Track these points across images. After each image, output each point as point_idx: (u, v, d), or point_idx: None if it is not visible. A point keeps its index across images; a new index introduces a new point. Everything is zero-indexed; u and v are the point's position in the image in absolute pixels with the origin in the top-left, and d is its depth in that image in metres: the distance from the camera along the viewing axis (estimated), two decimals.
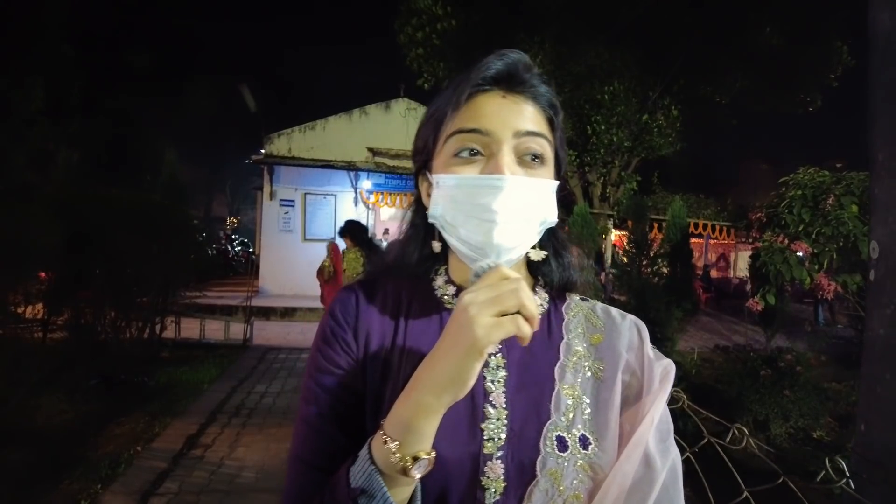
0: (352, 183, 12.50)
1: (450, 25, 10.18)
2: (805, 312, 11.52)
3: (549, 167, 0.72)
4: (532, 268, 0.81)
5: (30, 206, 4.94)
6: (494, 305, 0.56)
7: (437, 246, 0.75)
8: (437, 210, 0.71)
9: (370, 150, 12.34)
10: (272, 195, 12.13)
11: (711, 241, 17.69)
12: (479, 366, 0.56)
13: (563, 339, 0.75)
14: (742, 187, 15.28)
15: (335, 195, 12.55)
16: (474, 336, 0.54)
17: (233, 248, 25.89)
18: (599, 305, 0.83)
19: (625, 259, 4.37)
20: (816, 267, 4.70)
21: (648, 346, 0.76)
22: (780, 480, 0.99)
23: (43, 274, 5.33)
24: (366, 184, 12.51)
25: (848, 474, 0.91)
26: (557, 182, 0.74)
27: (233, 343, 7.51)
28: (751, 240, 6.64)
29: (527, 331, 0.57)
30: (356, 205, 12.69)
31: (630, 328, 0.78)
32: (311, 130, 12.27)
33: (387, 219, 15.77)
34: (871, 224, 1.23)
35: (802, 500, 1.01)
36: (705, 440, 1.21)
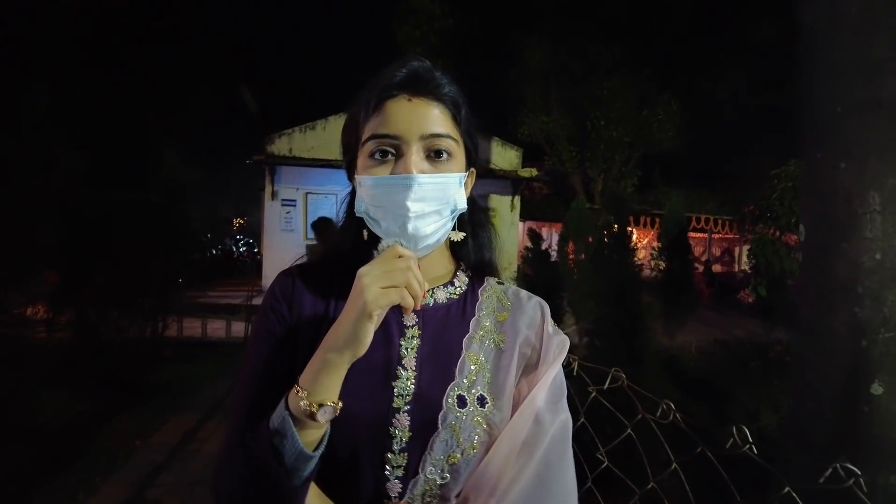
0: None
1: (447, 24, 10.22)
2: None
3: (457, 159, 0.80)
4: (454, 251, 0.91)
5: (34, 209, 5.04)
6: (384, 279, 0.66)
7: (365, 234, 0.83)
8: (362, 206, 0.80)
9: None
10: (274, 195, 12.21)
11: (715, 236, 17.63)
12: (370, 327, 0.66)
13: (474, 316, 0.85)
14: (744, 181, 15.19)
15: (336, 194, 12.60)
16: (364, 301, 0.65)
17: (237, 248, 26.07)
18: (512, 289, 0.92)
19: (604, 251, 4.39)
20: None
21: (549, 323, 0.86)
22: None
23: (48, 276, 5.45)
24: None
25: (751, 441, 0.97)
26: (462, 173, 0.81)
27: (234, 342, 7.60)
28: (745, 233, 6.65)
29: (409, 302, 0.67)
30: None
31: (534, 308, 0.88)
32: (312, 130, 12.32)
33: None
34: (801, 210, 1.29)
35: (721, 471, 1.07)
36: (639, 416, 1.26)
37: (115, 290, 5.75)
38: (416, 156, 0.75)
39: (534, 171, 10.60)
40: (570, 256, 7.65)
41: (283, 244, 12.14)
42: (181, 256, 7.01)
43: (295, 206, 12.25)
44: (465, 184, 0.83)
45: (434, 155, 0.77)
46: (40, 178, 5.20)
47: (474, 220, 0.90)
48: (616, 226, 3.70)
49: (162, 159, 7.22)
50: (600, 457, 1.37)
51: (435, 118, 0.77)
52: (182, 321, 7.43)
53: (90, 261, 5.55)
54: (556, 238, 9.62)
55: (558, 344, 0.83)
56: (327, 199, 12.51)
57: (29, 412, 4.20)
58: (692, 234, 10.52)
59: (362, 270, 0.67)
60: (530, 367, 0.82)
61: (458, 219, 0.82)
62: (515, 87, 11.46)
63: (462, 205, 0.80)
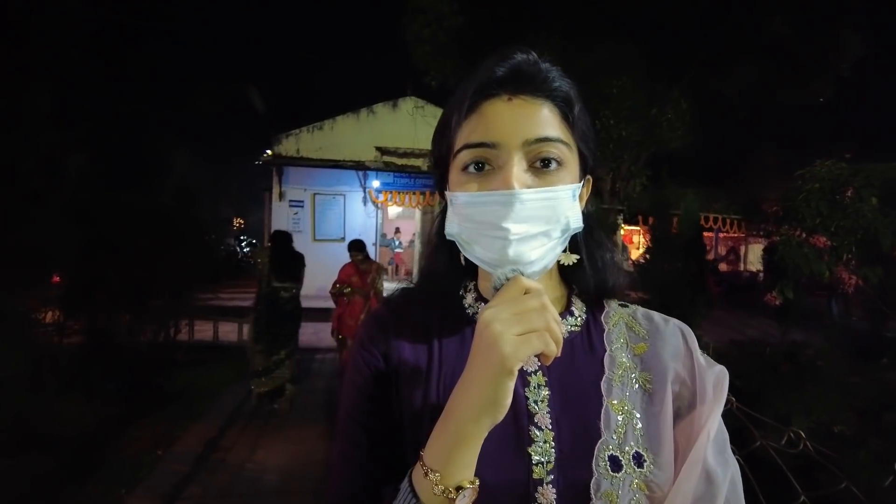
0: (360, 182, 12.49)
1: (456, 22, 10.15)
2: (817, 305, 11.43)
3: (569, 169, 0.67)
4: (565, 273, 0.77)
5: (44, 212, 4.96)
6: (519, 324, 0.54)
7: (462, 259, 0.71)
8: (453, 228, 0.68)
9: (378, 149, 12.31)
10: (281, 196, 12.14)
11: (721, 235, 17.58)
12: (511, 385, 0.55)
13: (605, 351, 0.72)
14: (753, 180, 15.14)
15: (344, 195, 12.53)
16: (502, 354, 0.53)
17: (241, 249, 25.98)
18: (641, 311, 0.79)
19: (646, 256, 4.34)
20: (835, 260, 4.66)
21: (697, 352, 0.73)
22: (843, 485, 0.96)
23: (57, 278, 5.36)
24: (374, 183, 12.51)
25: None
26: (576, 185, 0.68)
27: (246, 344, 7.52)
28: (764, 233, 6.58)
29: (553, 349, 0.55)
30: (365, 204, 12.68)
31: (674, 334, 0.74)
32: (319, 130, 12.25)
33: (394, 217, 15.74)
34: None
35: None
36: (757, 443, 1.19)
37: (127, 293, 5.66)
38: (517, 167, 0.62)
39: None
40: None
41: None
42: (192, 259, 6.92)
43: (303, 206, 12.18)
44: (580, 196, 0.70)
45: (541, 164, 0.64)
46: (47, 180, 5.12)
47: (591, 238, 0.76)
48: (654, 230, 3.62)
49: (171, 161, 7.14)
50: None
51: (542, 119, 0.64)
52: (193, 324, 7.35)
53: (102, 264, 5.46)
54: None
55: (716, 377, 0.70)
56: (335, 199, 12.44)
57: (47, 420, 4.12)
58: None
59: (487, 314, 0.55)
60: (684, 409, 0.69)
61: (571, 238, 0.69)
62: None
63: (576, 223, 0.67)
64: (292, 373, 5.12)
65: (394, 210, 14.66)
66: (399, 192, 12.40)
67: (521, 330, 0.54)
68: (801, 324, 8.50)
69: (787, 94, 11.34)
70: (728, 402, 1.27)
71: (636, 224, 13.92)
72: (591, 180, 0.75)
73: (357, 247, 5.39)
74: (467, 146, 0.65)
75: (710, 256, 16.06)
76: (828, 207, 4.79)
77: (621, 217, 12.90)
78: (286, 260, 5.24)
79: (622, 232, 13.63)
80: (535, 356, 0.56)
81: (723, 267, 17.35)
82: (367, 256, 5.50)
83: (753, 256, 17.58)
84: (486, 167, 0.64)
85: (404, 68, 12.60)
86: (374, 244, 12.28)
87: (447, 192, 0.70)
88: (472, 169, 0.65)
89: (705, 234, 16.13)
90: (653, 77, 10.83)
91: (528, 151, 0.63)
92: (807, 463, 1.11)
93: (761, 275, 14.38)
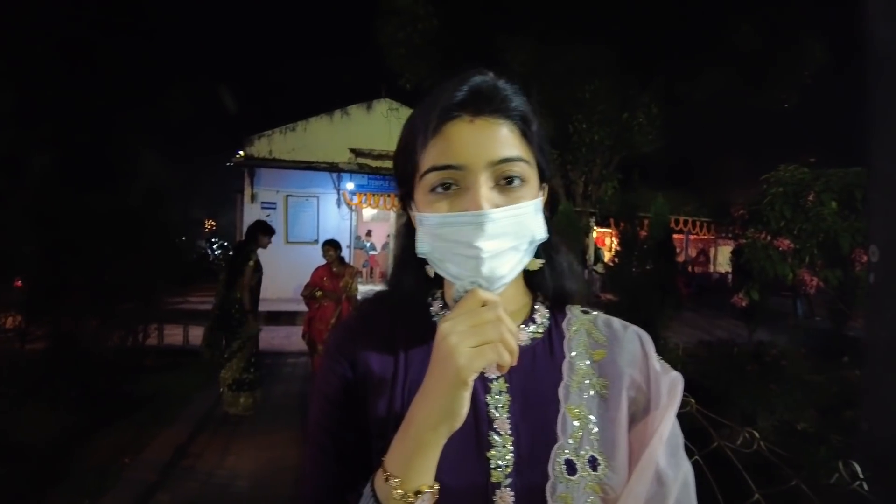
0: (334, 184, 12.42)
1: (430, 25, 10.16)
2: (784, 306, 11.72)
3: (531, 183, 0.69)
4: (528, 280, 0.80)
5: (5, 214, 4.81)
6: (475, 336, 0.56)
7: (431, 270, 0.72)
8: (425, 247, 0.69)
9: (352, 150, 12.27)
10: (253, 198, 12.00)
11: (692, 237, 17.94)
12: (467, 395, 0.57)
13: (565, 357, 0.74)
14: (721, 183, 15.50)
15: (318, 197, 12.45)
16: (457, 366, 0.55)
17: (212, 251, 25.57)
18: (601, 318, 0.81)
19: (615, 259, 4.42)
20: (798, 262, 4.79)
21: (654, 358, 0.75)
22: (794, 483, 1.01)
23: (19, 283, 5.20)
24: (349, 185, 12.44)
25: (862, 477, 0.93)
26: (538, 199, 0.71)
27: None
28: (732, 236, 6.74)
29: (507, 360, 0.57)
30: (339, 206, 12.61)
31: (632, 340, 0.76)
32: (292, 132, 12.16)
33: (369, 219, 15.68)
34: (871, 228, 1.26)
35: (815, 501, 1.03)
36: (714, 444, 1.22)
37: (93, 297, 5.53)
38: (484, 186, 0.64)
39: None
40: None
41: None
42: (161, 261, 6.79)
43: (275, 208, 12.05)
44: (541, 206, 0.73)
45: (505, 182, 0.66)
46: (8, 181, 4.97)
47: (549, 244, 0.77)
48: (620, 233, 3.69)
49: (139, 162, 6.99)
50: None
51: (503, 139, 0.66)
52: (162, 329, 7.21)
53: (67, 267, 5.32)
54: None
55: (671, 383, 0.72)
56: (308, 201, 12.34)
57: (6, 429, 4.00)
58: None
59: (444, 327, 0.57)
60: (639, 414, 0.70)
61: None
62: None
63: (541, 234, 0.69)
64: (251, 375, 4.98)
65: (368, 212, 14.61)
66: (373, 195, 12.37)
67: (477, 342, 0.56)
68: (768, 324, 8.71)
69: (753, 100, 11.65)
70: (687, 403, 1.30)
71: (608, 227, 14.11)
72: (547, 188, 0.77)
73: (333, 244, 5.35)
74: (434, 168, 0.66)
75: (681, 258, 16.38)
76: (791, 211, 4.93)
77: (594, 220, 13.11)
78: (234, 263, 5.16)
79: (595, 234, 13.82)
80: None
81: (694, 269, 17.69)
82: (341, 259, 5.46)
83: (723, 258, 17.95)
84: (453, 187, 0.66)
85: (379, 70, 12.59)
86: (349, 246, 12.21)
87: (416, 213, 0.71)
88: (439, 189, 0.66)
89: (676, 236, 16.45)
90: (624, 82, 11.02)
91: (494, 171, 0.65)
92: (772, 462, 1.15)
93: (731, 276, 14.69)
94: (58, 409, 4.52)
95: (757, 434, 1.12)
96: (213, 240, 30.02)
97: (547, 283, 0.79)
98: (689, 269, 16.68)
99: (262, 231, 5.21)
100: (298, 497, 0.72)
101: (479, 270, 0.63)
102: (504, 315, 0.58)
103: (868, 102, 1.25)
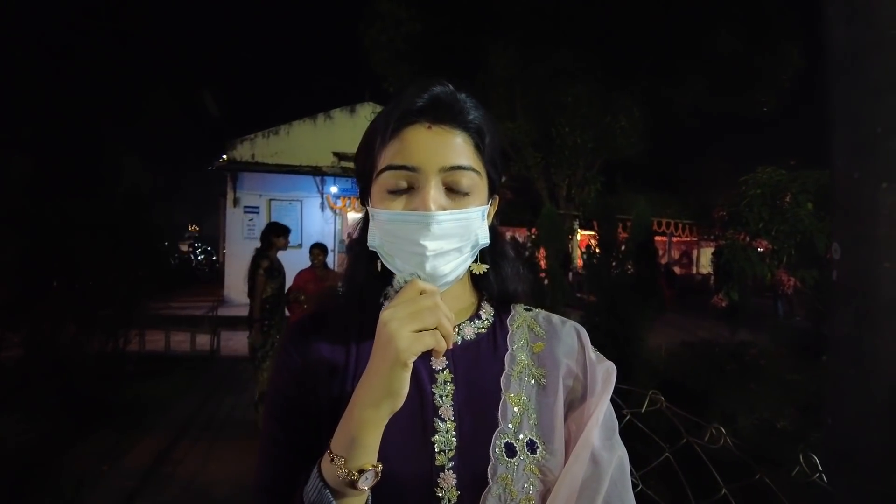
0: (318, 188, 12.37)
1: (414, 29, 10.18)
2: (764, 306, 11.87)
3: (479, 192, 0.74)
4: (476, 282, 0.86)
5: None
6: (413, 322, 0.61)
7: (379, 264, 0.77)
8: (375, 241, 0.74)
9: (336, 154, 12.23)
10: (236, 202, 11.92)
11: (674, 239, 18.14)
12: (407, 376, 0.61)
13: (507, 350, 0.79)
14: (703, 186, 15.71)
15: (301, 201, 12.39)
16: (397, 349, 0.59)
17: (196, 256, 25.32)
18: (542, 314, 0.87)
19: (594, 260, 4.47)
20: (776, 263, 4.87)
21: (590, 349, 0.81)
22: (757, 476, 1.03)
23: None
24: (332, 189, 12.40)
25: (821, 468, 0.95)
26: (484, 207, 0.76)
27: (199, 354, 7.34)
28: (713, 237, 6.84)
29: (443, 345, 0.62)
30: (323, 210, 12.56)
31: (570, 334, 0.82)
32: (275, 135, 12.10)
33: (353, 223, 15.64)
34: (833, 227, 1.30)
35: (778, 494, 1.05)
36: (684, 440, 1.24)
37: (73, 303, 5.45)
38: (434, 190, 0.69)
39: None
40: (542, 263, 7.67)
41: (246, 252, 11.76)
42: (143, 266, 6.71)
43: (258, 212, 11.98)
44: (488, 214, 0.79)
45: (455, 188, 0.71)
46: None
47: (496, 250, 0.84)
48: (599, 235, 3.72)
49: (121, 165, 6.91)
50: (635, 481, 1.34)
51: (457, 148, 0.71)
52: (144, 335, 7.13)
53: (46, 272, 5.25)
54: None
55: (605, 372, 0.78)
56: (292, 205, 12.28)
57: None
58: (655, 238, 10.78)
59: (385, 314, 0.61)
60: (576, 401, 0.76)
61: (480, 251, 0.77)
62: (481, 93, 11.51)
63: (484, 239, 0.75)
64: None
65: (353, 216, 14.59)
66: (357, 198, 12.33)
67: (416, 327, 0.60)
68: (749, 324, 8.82)
69: (733, 104, 11.82)
70: (657, 401, 1.32)
71: (591, 229, 14.21)
72: (497, 200, 0.83)
73: (321, 248, 5.34)
74: (390, 167, 0.70)
75: (664, 260, 16.54)
76: (769, 212, 5.01)
77: (577, 222, 13.19)
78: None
79: (578, 236, 13.90)
80: (430, 351, 0.62)
81: (676, 270, 17.87)
82: (325, 264, 5.45)
83: (706, 260, 18.19)
84: (406, 186, 0.71)
85: (363, 74, 12.58)
86: (334, 250, 12.16)
87: (370, 208, 0.76)
88: (393, 189, 0.71)
89: (659, 238, 16.62)
90: (607, 86, 11.12)
91: (445, 177, 0.70)
92: (752, 458, 1.17)
93: (713, 278, 14.86)
94: (35, 418, 4.44)
95: (724, 430, 1.14)
96: (196, 244, 29.71)
97: (492, 285, 0.85)
98: (672, 270, 16.85)
99: (275, 233, 5.02)
100: (252, 487, 0.75)
101: (423, 267, 0.68)
102: (441, 302, 0.63)
103: (827, 102, 1.29)
